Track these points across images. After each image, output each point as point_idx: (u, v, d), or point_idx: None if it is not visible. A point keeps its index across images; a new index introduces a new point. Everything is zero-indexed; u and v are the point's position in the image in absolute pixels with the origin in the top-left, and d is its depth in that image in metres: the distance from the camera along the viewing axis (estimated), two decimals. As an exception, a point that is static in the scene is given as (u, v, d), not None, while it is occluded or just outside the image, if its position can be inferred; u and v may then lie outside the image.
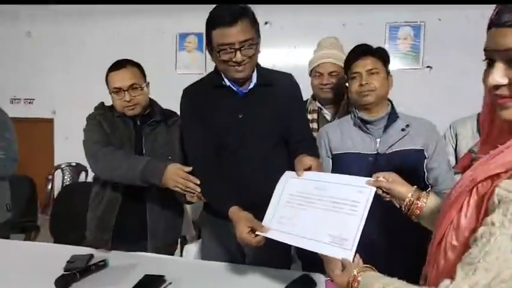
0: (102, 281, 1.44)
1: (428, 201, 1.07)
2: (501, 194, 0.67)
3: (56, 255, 1.61)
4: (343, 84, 2.05)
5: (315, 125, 2.04)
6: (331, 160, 1.70)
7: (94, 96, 4.51)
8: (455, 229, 0.75)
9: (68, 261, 1.53)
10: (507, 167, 0.68)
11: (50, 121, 4.75)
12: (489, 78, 0.74)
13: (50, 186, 3.91)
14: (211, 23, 1.45)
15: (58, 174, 4.06)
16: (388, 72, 1.66)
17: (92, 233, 1.79)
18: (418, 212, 1.07)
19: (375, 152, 1.59)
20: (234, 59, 1.44)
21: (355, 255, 1.00)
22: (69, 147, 4.54)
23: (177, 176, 1.53)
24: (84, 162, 4.21)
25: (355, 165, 1.55)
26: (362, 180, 1.17)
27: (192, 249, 2.19)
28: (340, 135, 1.67)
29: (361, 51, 1.65)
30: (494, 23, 0.73)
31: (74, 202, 2.52)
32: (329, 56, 2.02)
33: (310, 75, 2.11)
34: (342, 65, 2.00)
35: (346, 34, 3.78)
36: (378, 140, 1.61)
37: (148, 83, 1.82)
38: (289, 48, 4.08)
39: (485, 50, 0.75)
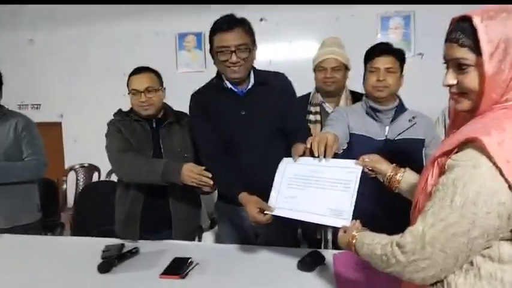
0: (137, 265, 1.64)
1: (405, 176, 1.29)
2: (449, 162, 0.89)
3: (90, 247, 1.81)
4: (344, 79, 2.25)
5: (318, 117, 2.24)
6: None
7: (98, 98, 4.68)
8: (424, 194, 0.96)
9: (103, 250, 1.72)
10: (454, 144, 0.89)
11: (58, 125, 4.89)
12: (443, 80, 0.96)
13: (64, 187, 4.08)
14: (213, 30, 1.71)
15: (71, 175, 4.23)
16: (401, 72, 1.81)
17: (121, 227, 1.97)
18: (397, 184, 1.30)
19: (384, 138, 1.78)
20: (230, 60, 1.68)
21: (356, 221, 1.21)
22: (78, 149, 4.71)
23: (192, 173, 1.71)
24: (96, 162, 4.38)
25: (368, 147, 1.67)
26: (350, 162, 1.39)
27: (208, 236, 2.40)
28: (356, 118, 1.83)
29: (383, 49, 1.79)
30: (446, 39, 0.95)
31: (95, 200, 2.72)
32: (332, 53, 2.22)
33: (314, 71, 2.30)
34: (344, 61, 2.22)
35: (339, 27, 3.97)
36: (387, 127, 1.80)
37: (164, 88, 1.99)
38: (284, 43, 4.20)
39: (443, 58, 0.97)
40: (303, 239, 2.27)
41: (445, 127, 2.65)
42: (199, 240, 2.22)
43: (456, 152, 0.89)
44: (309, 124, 2.13)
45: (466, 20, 0.90)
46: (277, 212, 1.49)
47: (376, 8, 4.01)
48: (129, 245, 1.81)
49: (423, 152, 1.82)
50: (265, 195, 1.55)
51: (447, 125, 2.64)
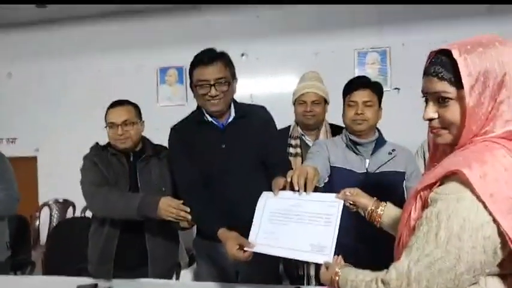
0: (111, 307, 1.55)
1: (386, 210, 1.28)
2: (432, 196, 0.88)
3: (61, 287, 1.71)
4: (323, 112, 2.27)
5: (298, 150, 2.24)
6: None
7: (77, 132, 4.59)
8: (408, 228, 0.95)
9: (75, 292, 1.63)
10: (436, 178, 0.89)
11: (34, 159, 4.75)
12: (424, 114, 0.96)
13: (37, 223, 3.92)
14: (193, 64, 1.73)
15: (45, 210, 4.07)
16: (379, 105, 1.83)
17: (94, 265, 1.88)
18: (378, 219, 1.28)
19: (365, 171, 1.78)
20: (209, 94, 1.68)
21: (338, 257, 1.18)
22: (53, 184, 4.54)
23: (170, 207, 1.68)
24: (71, 198, 4.23)
25: (348, 180, 1.65)
26: (331, 195, 1.36)
27: (187, 274, 2.32)
28: (336, 151, 1.83)
29: (361, 82, 1.82)
30: (425, 72, 0.95)
31: (68, 238, 2.61)
32: (312, 87, 2.25)
33: (294, 104, 2.33)
34: (323, 94, 2.25)
35: (319, 62, 4.05)
36: (367, 160, 1.80)
37: (143, 121, 1.97)
38: (265, 78, 4.25)
39: (422, 91, 0.98)
40: (285, 275, 2.21)
41: (424, 160, 2.68)
42: (177, 278, 2.13)
43: (439, 185, 0.88)
44: (289, 157, 2.13)
45: (444, 53, 0.91)
46: (258, 249, 1.44)
47: (354, 43, 4.13)
48: (102, 285, 1.72)
49: (404, 184, 1.82)
50: (246, 230, 1.50)
51: (426, 158, 2.69)
